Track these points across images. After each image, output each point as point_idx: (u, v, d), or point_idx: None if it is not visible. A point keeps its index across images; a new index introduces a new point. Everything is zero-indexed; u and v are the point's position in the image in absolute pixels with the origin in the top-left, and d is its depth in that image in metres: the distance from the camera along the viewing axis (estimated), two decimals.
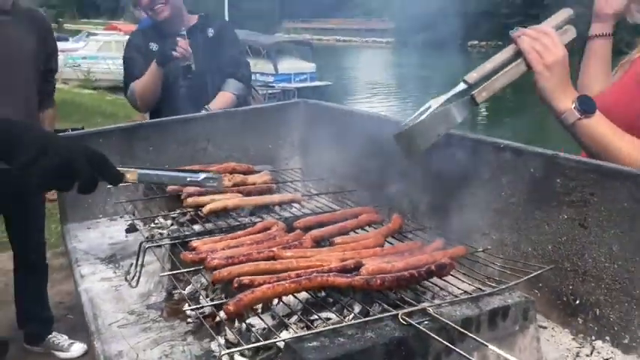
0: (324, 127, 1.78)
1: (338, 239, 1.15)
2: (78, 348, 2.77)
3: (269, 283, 0.93)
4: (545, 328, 1.07)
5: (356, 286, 0.95)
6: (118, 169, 1.03)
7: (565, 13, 1.28)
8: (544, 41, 1.18)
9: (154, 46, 2.52)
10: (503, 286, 0.95)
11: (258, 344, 0.84)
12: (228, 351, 0.84)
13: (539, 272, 0.98)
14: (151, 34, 2.61)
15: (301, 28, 67.43)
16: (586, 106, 1.16)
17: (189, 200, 1.38)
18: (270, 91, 17.32)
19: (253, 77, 12.24)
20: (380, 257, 1.05)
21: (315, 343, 0.80)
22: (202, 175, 1.19)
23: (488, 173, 1.18)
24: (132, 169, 1.07)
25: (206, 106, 2.31)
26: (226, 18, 17.88)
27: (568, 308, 1.04)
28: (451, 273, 1.03)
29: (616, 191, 0.94)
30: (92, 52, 20.04)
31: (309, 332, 0.83)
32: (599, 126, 1.15)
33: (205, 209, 1.33)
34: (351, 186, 1.58)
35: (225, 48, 2.55)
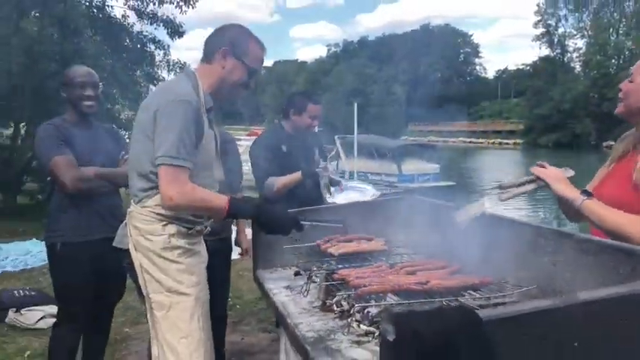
0: (420, 213, 2.68)
1: (419, 272, 2.02)
2: None
3: (378, 286, 1.82)
4: None
5: (424, 290, 1.80)
6: (302, 223, 2.09)
7: (570, 171, 2.11)
8: (551, 169, 2.06)
9: (284, 148, 3.69)
10: (503, 294, 1.76)
11: (361, 305, 1.73)
12: (361, 304, 1.74)
13: (524, 289, 1.78)
14: (282, 137, 3.79)
15: (427, 130, 69.51)
16: (586, 193, 1.94)
17: (324, 249, 2.38)
18: (393, 191, 18.37)
19: (378, 177, 13.98)
20: (441, 280, 1.90)
21: (398, 308, 1.67)
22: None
23: (508, 239, 2.01)
24: (307, 223, 2.15)
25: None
26: (355, 123, 19.65)
27: None
28: (481, 290, 1.86)
29: (565, 244, 1.74)
30: None
31: (395, 303, 1.70)
32: (595, 205, 1.89)
33: (335, 252, 2.30)
34: (434, 250, 2.43)
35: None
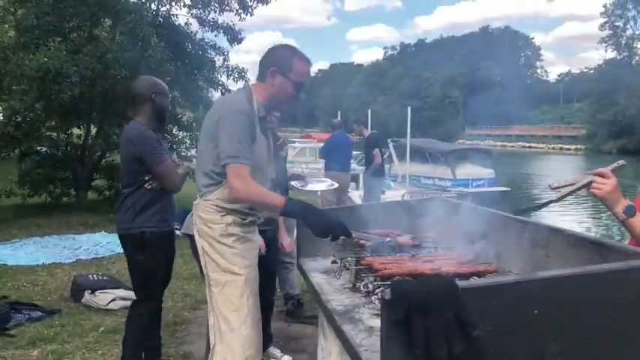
0: (448, 214, 3.00)
1: (436, 261, 2.35)
2: (287, 358, 4.14)
3: (396, 270, 2.17)
4: None
5: (435, 274, 2.14)
6: (351, 231, 2.43)
7: (620, 162, 2.25)
8: (601, 181, 2.03)
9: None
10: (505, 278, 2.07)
11: (379, 282, 2.08)
12: (382, 284, 2.09)
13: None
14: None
15: (484, 134, 68.42)
16: (629, 211, 1.97)
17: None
18: (445, 195, 18.34)
19: (431, 181, 14.01)
20: (452, 267, 2.23)
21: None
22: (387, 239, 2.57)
23: (515, 235, 2.31)
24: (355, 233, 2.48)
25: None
26: (409, 127, 19.80)
27: None
28: (485, 276, 2.17)
29: (556, 238, 2.03)
30: (289, 157, 23.04)
31: (400, 279, 2.04)
32: (635, 223, 1.96)
33: (366, 244, 2.65)
34: (455, 244, 2.75)
35: None
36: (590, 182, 2.04)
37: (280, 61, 2.62)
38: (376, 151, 10.02)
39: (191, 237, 2.72)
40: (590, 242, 1.87)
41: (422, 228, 3.16)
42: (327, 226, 2.43)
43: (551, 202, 2.21)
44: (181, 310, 5.19)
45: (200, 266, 2.72)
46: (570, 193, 2.15)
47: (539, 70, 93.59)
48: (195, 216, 2.67)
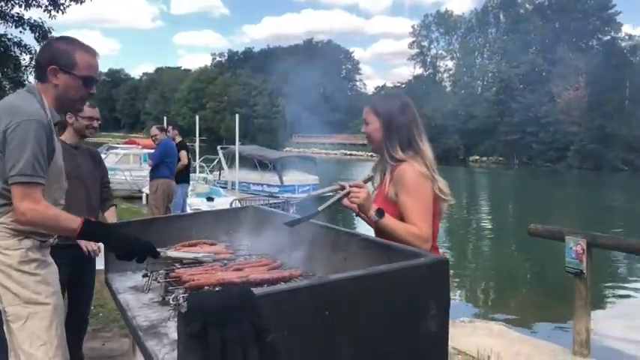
0: (262, 222, 3.07)
1: (246, 269, 2.39)
2: None
3: (204, 281, 2.17)
4: None
5: (243, 283, 2.18)
6: (157, 249, 2.31)
7: (370, 174, 2.57)
8: (358, 191, 2.31)
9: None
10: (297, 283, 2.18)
11: (181, 295, 2.07)
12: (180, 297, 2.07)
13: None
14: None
15: (310, 142, 71.22)
16: (379, 213, 2.26)
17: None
18: (273, 201, 18.75)
19: (260, 188, 14.06)
20: (260, 274, 2.29)
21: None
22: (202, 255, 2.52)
23: (320, 240, 2.45)
24: (166, 251, 2.37)
25: None
26: (237, 134, 19.86)
27: None
28: (292, 281, 2.27)
29: (352, 242, 2.20)
30: (111, 164, 21.58)
31: (198, 291, 2.05)
32: (387, 222, 2.27)
33: (173, 255, 2.60)
34: (267, 251, 2.83)
35: None
36: (349, 193, 2.32)
37: (59, 58, 2.32)
38: (182, 153, 9.87)
39: None
40: (379, 245, 2.05)
41: (236, 235, 3.21)
42: (131, 248, 2.31)
43: (318, 213, 2.41)
44: None
45: None
46: (332, 204, 2.40)
47: (358, 83, 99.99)
48: None
